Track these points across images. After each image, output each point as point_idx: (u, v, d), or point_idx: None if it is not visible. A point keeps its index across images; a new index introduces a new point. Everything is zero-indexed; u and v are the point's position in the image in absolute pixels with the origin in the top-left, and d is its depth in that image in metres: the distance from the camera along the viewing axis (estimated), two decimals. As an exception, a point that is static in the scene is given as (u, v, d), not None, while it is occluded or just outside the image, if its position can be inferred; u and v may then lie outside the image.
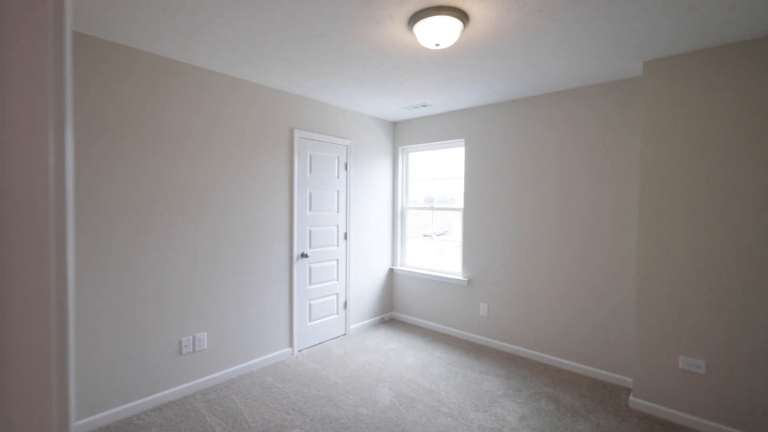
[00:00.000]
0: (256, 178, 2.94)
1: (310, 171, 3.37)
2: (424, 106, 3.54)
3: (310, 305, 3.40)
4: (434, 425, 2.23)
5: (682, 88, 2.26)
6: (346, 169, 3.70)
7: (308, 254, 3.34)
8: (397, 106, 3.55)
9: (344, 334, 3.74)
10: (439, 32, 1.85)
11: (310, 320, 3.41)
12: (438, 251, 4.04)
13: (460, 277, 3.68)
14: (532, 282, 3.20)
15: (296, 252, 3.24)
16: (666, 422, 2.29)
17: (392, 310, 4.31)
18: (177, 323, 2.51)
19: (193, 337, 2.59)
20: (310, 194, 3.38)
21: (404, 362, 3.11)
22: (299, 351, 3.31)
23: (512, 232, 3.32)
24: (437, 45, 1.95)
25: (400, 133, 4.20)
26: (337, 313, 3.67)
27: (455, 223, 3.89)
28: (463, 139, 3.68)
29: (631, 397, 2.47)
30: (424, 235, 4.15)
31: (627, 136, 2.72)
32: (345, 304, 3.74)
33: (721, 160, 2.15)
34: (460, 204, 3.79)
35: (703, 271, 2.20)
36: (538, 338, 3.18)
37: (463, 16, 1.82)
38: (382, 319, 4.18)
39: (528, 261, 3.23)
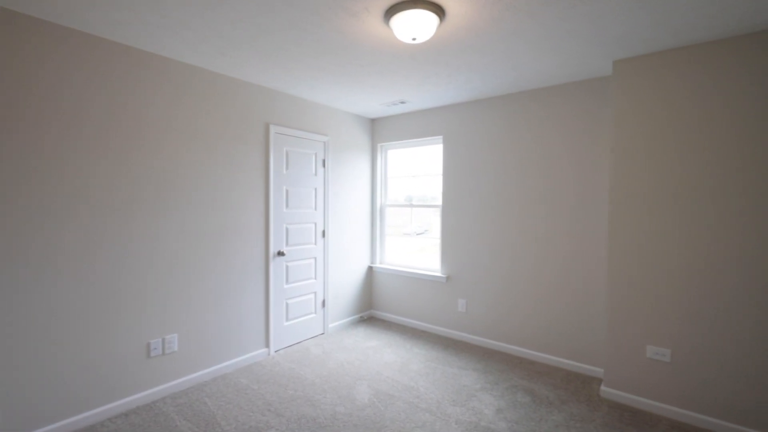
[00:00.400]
0: (230, 174, 2.85)
1: (287, 167, 3.30)
2: (402, 102, 3.53)
3: (287, 304, 3.33)
4: (412, 421, 2.22)
5: (651, 86, 2.35)
6: (323, 165, 3.65)
7: (285, 252, 3.27)
8: (375, 102, 3.53)
9: (322, 333, 3.69)
10: (415, 26, 1.84)
11: (287, 320, 3.34)
12: (419, 249, 4.05)
13: (438, 274, 3.70)
14: (509, 277, 3.26)
15: (272, 250, 3.17)
16: (634, 410, 2.38)
17: (371, 309, 4.29)
18: (145, 325, 2.40)
19: (163, 339, 2.48)
20: (287, 191, 3.31)
21: (383, 360, 3.09)
22: (276, 351, 3.23)
23: (489, 228, 3.37)
24: (414, 39, 1.94)
25: (379, 130, 4.18)
26: (315, 312, 3.61)
27: (435, 222, 3.91)
28: (441, 137, 3.70)
29: (602, 387, 2.55)
30: (404, 234, 4.15)
31: (606, 133, 2.80)
32: (323, 302, 3.69)
33: (686, 156, 2.25)
34: (440, 202, 3.81)
35: (668, 264, 2.30)
36: (515, 332, 3.23)
37: (439, 10, 1.82)
38: (361, 317, 4.15)
39: (505, 256, 3.28)
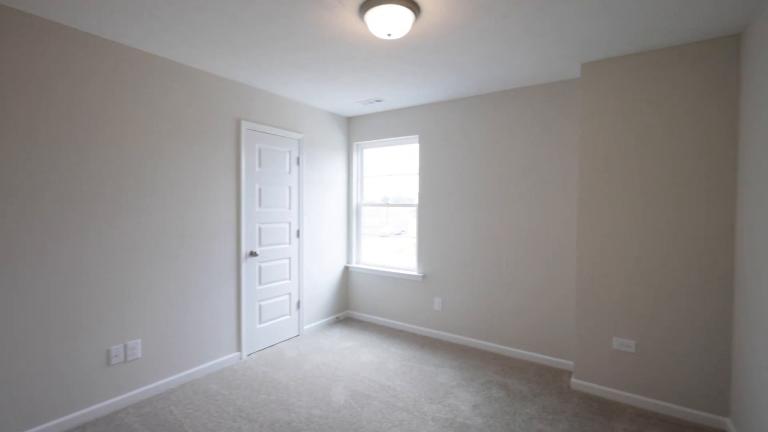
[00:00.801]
0: (199, 171, 2.73)
1: (260, 165, 3.20)
2: (378, 101, 3.51)
3: (260, 306, 3.23)
4: (389, 420, 2.20)
5: (616, 89, 2.45)
6: (298, 164, 3.57)
7: (258, 252, 3.17)
8: (350, 100, 3.49)
9: (297, 335, 3.60)
10: (390, 21, 1.83)
11: (261, 322, 3.24)
12: (397, 250, 4.03)
13: (415, 273, 3.70)
14: (484, 275, 3.30)
15: (244, 250, 3.06)
16: (603, 399, 2.46)
17: (348, 309, 4.24)
18: (105, 330, 2.25)
19: (125, 346, 2.33)
20: (260, 189, 3.21)
21: (359, 360, 3.05)
22: (248, 355, 3.13)
23: (465, 227, 3.41)
24: (389, 35, 1.93)
25: (355, 129, 4.14)
26: (290, 314, 3.53)
27: (412, 223, 3.91)
28: (417, 136, 3.72)
29: (572, 379, 2.63)
30: (382, 236, 4.12)
31: (571, 136, 2.89)
32: (298, 304, 3.61)
33: (650, 156, 2.35)
34: (416, 202, 3.82)
35: (632, 260, 2.40)
36: (490, 329, 3.28)
37: (413, 6, 1.81)
38: (337, 318, 4.09)
39: (480, 255, 3.32)
